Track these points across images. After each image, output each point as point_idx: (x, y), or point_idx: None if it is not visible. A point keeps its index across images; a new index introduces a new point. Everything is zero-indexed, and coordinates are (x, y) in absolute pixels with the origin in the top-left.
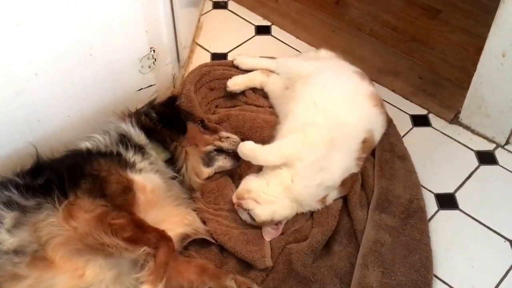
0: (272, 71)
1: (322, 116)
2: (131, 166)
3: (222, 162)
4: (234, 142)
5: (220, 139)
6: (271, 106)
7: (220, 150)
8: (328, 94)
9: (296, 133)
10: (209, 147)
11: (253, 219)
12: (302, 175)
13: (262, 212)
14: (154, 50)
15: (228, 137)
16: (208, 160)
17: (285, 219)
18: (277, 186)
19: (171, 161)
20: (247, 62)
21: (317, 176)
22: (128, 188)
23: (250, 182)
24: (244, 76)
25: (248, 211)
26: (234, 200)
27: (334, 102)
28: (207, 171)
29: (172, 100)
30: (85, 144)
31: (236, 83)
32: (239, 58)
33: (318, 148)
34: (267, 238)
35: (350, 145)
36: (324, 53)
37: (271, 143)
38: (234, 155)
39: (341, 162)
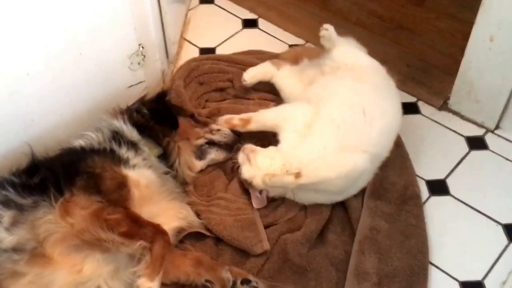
0: (282, 64)
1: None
2: (125, 162)
3: (215, 155)
4: (225, 134)
5: (211, 131)
6: (260, 98)
7: (211, 143)
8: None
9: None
10: (201, 140)
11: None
12: None
13: (245, 171)
14: (142, 47)
15: (218, 130)
16: (200, 153)
17: (259, 189)
18: (277, 174)
19: (164, 156)
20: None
21: None
22: (122, 184)
23: (269, 152)
24: (258, 67)
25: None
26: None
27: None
28: (199, 164)
29: (162, 96)
30: (79, 142)
31: (253, 75)
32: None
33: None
34: (255, 205)
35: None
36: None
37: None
38: (225, 147)
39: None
